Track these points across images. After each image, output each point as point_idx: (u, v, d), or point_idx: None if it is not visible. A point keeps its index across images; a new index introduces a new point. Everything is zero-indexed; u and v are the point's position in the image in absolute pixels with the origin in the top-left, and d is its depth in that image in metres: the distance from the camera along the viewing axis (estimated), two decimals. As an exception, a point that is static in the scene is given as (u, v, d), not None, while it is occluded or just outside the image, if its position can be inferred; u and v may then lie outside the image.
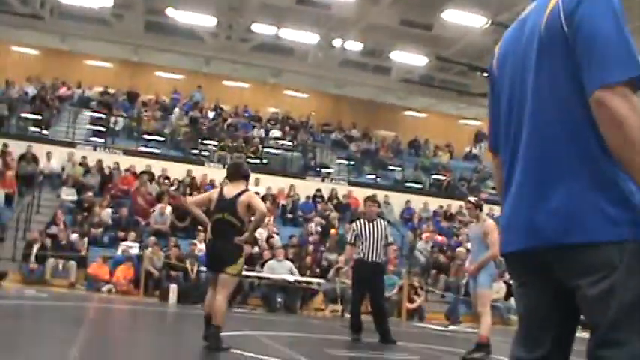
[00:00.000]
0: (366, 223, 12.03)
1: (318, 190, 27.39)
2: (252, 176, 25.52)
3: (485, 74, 3.07)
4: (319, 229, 23.83)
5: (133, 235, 20.43)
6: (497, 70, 2.84)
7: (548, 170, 2.47)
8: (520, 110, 2.61)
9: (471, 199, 10.90)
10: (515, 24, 2.79)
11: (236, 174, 8.99)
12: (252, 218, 8.79)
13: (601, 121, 2.29)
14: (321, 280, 19.83)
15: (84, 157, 24.91)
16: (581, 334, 2.57)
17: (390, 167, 32.02)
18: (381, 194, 25.25)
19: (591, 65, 2.31)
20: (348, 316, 14.27)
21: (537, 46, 2.52)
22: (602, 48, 2.30)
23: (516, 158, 2.62)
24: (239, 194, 8.66)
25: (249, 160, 27.33)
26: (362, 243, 11.86)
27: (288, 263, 19.33)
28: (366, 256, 11.80)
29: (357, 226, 12.16)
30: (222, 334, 8.61)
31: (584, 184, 2.38)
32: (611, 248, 2.33)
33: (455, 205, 28.35)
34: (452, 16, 25.47)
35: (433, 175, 32.38)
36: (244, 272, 12.59)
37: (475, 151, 36.01)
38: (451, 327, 17.95)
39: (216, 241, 8.73)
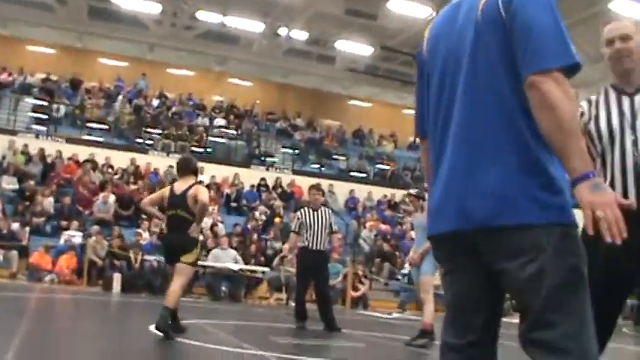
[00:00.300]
0: (311, 211, 12.07)
1: (263, 179, 27.43)
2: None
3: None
4: (264, 217, 23.86)
5: (75, 224, 20.21)
6: (428, 54, 2.82)
7: (481, 153, 2.48)
8: (451, 94, 2.62)
9: (412, 191, 10.96)
10: (448, 8, 2.79)
11: (186, 169, 9.28)
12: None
13: (535, 104, 2.35)
14: (266, 269, 19.89)
15: (25, 145, 24.58)
16: (506, 319, 2.67)
17: (335, 156, 32.16)
18: (325, 183, 25.35)
19: (527, 52, 2.37)
20: (292, 304, 14.35)
21: (474, 30, 2.55)
22: (539, 35, 2.37)
23: (446, 141, 2.62)
24: (187, 189, 8.95)
25: (194, 149, 27.30)
26: (306, 231, 11.90)
27: (233, 252, 19.34)
28: (310, 244, 11.85)
29: (301, 214, 12.20)
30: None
31: (516, 168, 2.42)
32: (539, 231, 2.39)
33: (399, 194, 28.60)
34: (397, 6, 25.62)
35: (377, 164, 32.61)
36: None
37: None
38: (395, 314, 18.14)
39: (171, 236, 9.09)
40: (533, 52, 2.36)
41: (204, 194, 8.98)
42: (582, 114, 3.90)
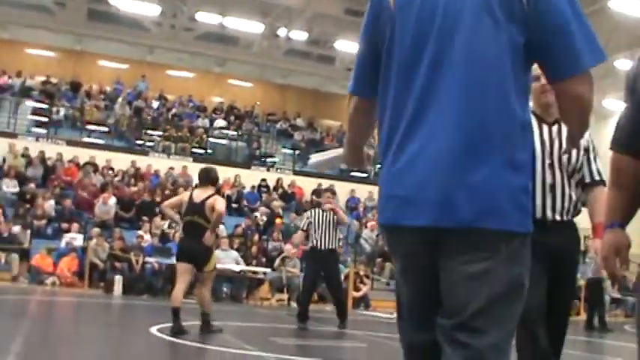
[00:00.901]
0: (321, 212, 12.20)
1: (264, 180, 27.40)
2: (197, 166, 25.35)
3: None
4: (264, 218, 23.84)
5: (76, 226, 20.19)
6: (396, 8, 2.45)
7: (477, 143, 2.25)
8: (437, 66, 2.33)
9: None
10: None
11: (206, 179, 9.92)
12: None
13: (570, 109, 2.34)
14: (267, 270, 19.85)
15: (26, 148, 24.52)
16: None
17: (336, 156, 32.10)
18: (326, 183, 25.34)
19: (560, 51, 2.26)
20: (294, 305, 14.35)
21: (479, 4, 2.29)
22: (570, 33, 2.25)
23: (424, 115, 2.33)
24: (206, 198, 9.48)
25: (194, 150, 27.33)
26: (315, 232, 12.02)
27: (234, 253, 19.32)
28: (319, 244, 11.96)
29: (311, 214, 12.40)
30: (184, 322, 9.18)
31: (507, 166, 2.26)
32: (503, 235, 2.26)
33: (400, 193, 28.51)
34: (396, 5, 25.56)
35: (378, 164, 32.58)
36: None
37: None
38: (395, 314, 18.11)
39: (187, 241, 9.60)
40: (571, 52, 2.25)
41: (221, 204, 9.56)
42: None
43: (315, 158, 3.46)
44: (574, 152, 4.31)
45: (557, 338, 4.35)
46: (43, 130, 26.58)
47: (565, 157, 4.30)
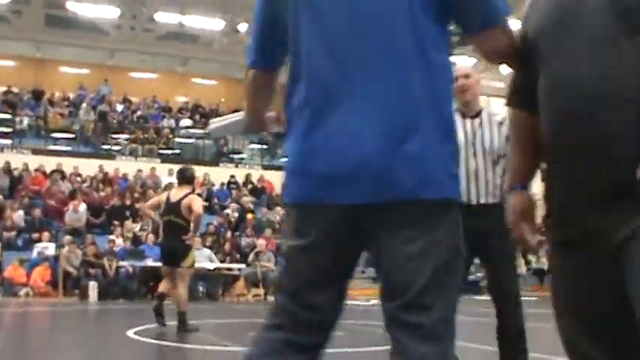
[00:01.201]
0: None
1: (232, 176, 27.34)
2: (166, 167, 25.08)
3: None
4: (236, 215, 23.84)
5: (47, 235, 20.02)
6: None
7: (406, 108, 2.13)
8: (352, 34, 2.19)
9: None
10: None
11: (182, 179, 10.18)
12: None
13: (491, 58, 2.41)
14: (242, 266, 19.87)
15: (-10, 160, 24.31)
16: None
17: (303, 148, 32.16)
18: (297, 176, 25.20)
19: (476, 6, 2.22)
20: (270, 299, 14.28)
21: None
22: None
23: (346, 87, 2.17)
24: (182, 197, 9.67)
25: (161, 151, 27.25)
26: None
27: (207, 251, 19.26)
28: None
29: None
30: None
31: (436, 131, 2.15)
32: (442, 205, 2.17)
33: (370, 181, 28.58)
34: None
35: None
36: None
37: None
38: (372, 302, 18.19)
39: (167, 240, 9.91)
40: (487, 7, 2.22)
41: (198, 205, 9.73)
42: None
43: (214, 124, 3.38)
44: (496, 140, 4.69)
45: (514, 310, 4.57)
46: (7, 141, 26.31)
47: (488, 146, 4.67)
